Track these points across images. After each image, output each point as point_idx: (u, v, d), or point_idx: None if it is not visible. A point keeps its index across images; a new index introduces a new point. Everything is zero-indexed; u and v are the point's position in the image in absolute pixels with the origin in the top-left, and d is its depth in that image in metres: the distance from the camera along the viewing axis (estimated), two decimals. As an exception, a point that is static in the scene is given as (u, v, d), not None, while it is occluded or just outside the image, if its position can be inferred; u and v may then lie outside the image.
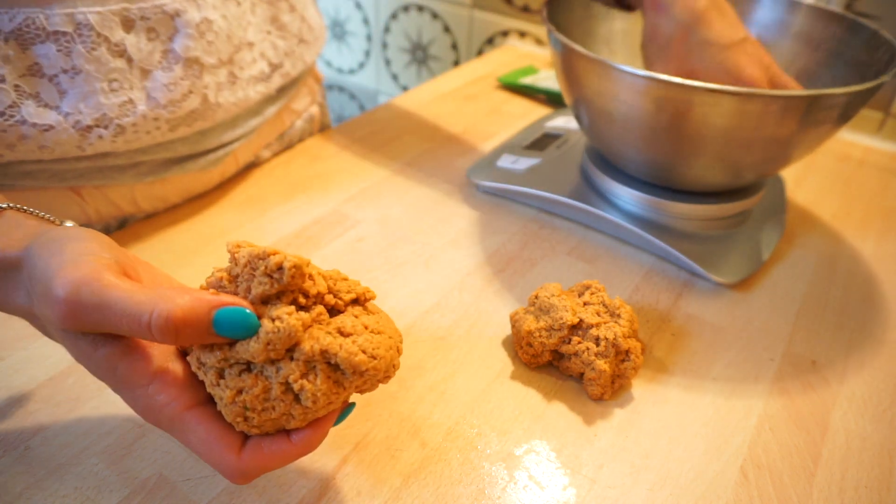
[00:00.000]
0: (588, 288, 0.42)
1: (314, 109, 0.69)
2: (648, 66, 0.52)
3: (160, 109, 0.45)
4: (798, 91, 0.41)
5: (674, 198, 0.51)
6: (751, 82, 0.47)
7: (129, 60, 0.43)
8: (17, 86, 0.40)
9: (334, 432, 0.36)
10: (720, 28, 0.48)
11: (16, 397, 0.37)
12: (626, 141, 0.49)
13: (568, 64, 0.49)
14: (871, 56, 0.51)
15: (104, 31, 0.41)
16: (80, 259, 0.26)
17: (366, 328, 0.28)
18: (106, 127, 0.43)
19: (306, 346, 0.26)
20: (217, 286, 0.28)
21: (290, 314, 0.26)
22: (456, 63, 1.09)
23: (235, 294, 0.27)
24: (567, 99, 0.53)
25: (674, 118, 0.44)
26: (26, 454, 0.34)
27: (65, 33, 0.40)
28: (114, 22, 0.42)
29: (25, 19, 0.39)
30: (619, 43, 0.62)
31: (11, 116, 0.40)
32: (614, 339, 0.38)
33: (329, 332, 0.27)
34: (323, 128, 0.72)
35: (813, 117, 0.43)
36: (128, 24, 0.42)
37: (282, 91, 0.59)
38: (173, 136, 0.48)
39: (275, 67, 0.55)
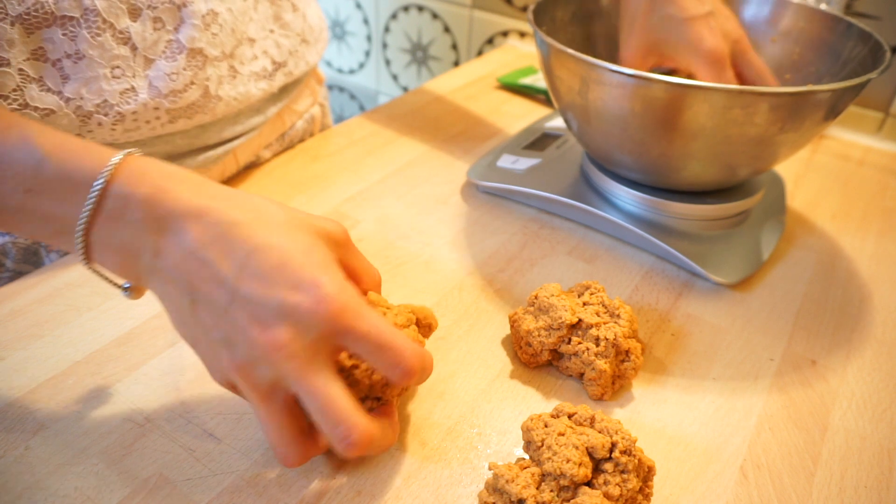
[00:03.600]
0: (588, 288, 0.42)
1: (315, 110, 0.69)
2: (621, 42, 0.54)
3: (161, 99, 0.45)
4: (785, 88, 0.41)
5: (673, 198, 0.51)
6: (709, 54, 0.48)
7: (133, 48, 0.43)
8: (21, 69, 0.40)
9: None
10: (683, 1, 0.49)
11: (16, 397, 0.37)
12: (614, 141, 0.49)
13: (554, 64, 0.49)
14: (861, 54, 0.51)
15: (110, 18, 0.41)
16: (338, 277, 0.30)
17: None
18: (106, 114, 0.43)
19: None
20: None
21: None
22: (456, 63, 1.09)
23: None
24: (555, 102, 0.53)
25: (659, 115, 0.44)
26: (27, 454, 0.34)
27: (71, 18, 0.40)
28: (120, 10, 0.42)
29: (35, 3, 0.39)
30: (605, 45, 0.62)
31: (15, 100, 0.40)
32: (614, 339, 0.38)
33: None
34: (324, 128, 0.72)
35: (800, 114, 0.43)
36: (134, 13, 0.43)
37: (284, 90, 0.60)
38: (173, 128, 0.48)
39: (278, 66, 0.55)
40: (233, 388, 0.32)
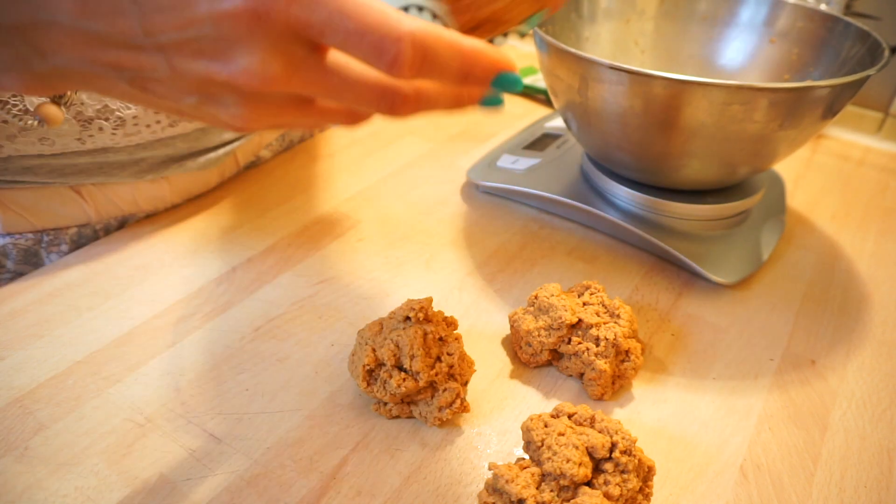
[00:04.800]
0: (588, 288, 0.42)
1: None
2: None
3: None
4: (784, 84, 0.41)
5: (673, 198, 0.51)
6: None
7: None
8: None
9: (334, 432, 0.36)
10: None
11: (16, 397, 0.37)
12: (614, 140, 0.49)
13: (553, 63, 0.49)
14: (859, 54, 0.51)
15: None
16: None
17: None
18: (107, 119, 0.43)
19: None
20: None
21: None
22: (456, 63, 1.09)
23: None
24: (555, 101, 0.53)
25: (659, 112, 0.44)
26: (27, 454, 0.34)
27: None
28: None
29: None
30: (605, 45, 0.62)
31: (15, 105, 0.40)
32: (614, 339, 0.38)
33: None
34: (324, 128, 0.72)
35: (799, 110, 0.43)
36: None
37: None
38: (173, 131, 0.48)
39: None
40: (265, 124, 0.25)
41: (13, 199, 0.46)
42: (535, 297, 0.41)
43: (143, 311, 0.43)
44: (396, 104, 0.24)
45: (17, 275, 0.48)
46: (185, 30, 0.21)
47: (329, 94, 0.24)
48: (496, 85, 0.24)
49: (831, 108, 0.45)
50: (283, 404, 0.38)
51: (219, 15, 0.21)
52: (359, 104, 0.24)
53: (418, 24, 0.22)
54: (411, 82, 0.23)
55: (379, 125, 0.70)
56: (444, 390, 0.36)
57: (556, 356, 0.41)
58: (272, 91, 0.23)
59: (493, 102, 0.26)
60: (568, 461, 0.30)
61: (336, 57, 0.23)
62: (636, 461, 0.31)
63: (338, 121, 0.26)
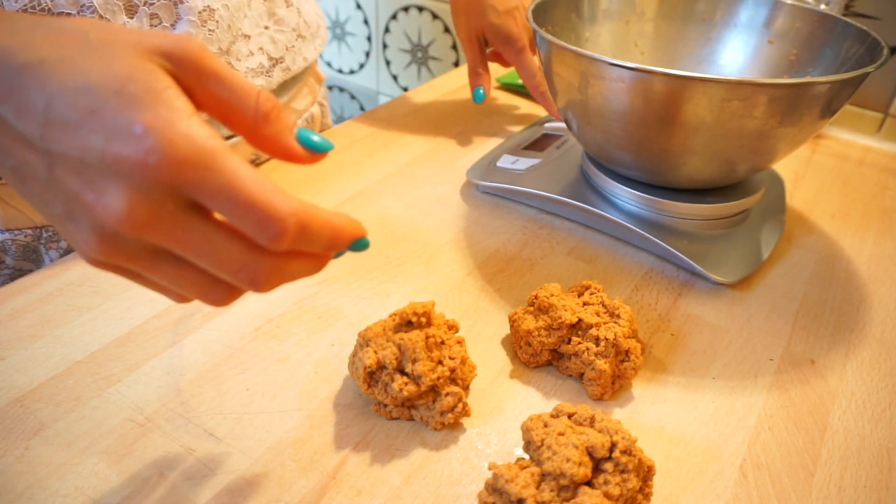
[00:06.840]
0: (587, 288, 0.42)
1: (315, 109, 0.69)
2: (456, 28, 0.68)
3: None
4: (784, 80, 0.41)
5: (673, 197, 0.51)
6: (516, 40, 0.65)
7: None
8: None
9: (334, 432, 0.36)
10: None
11: (17, 397, 0.37)
12: (614, 139, 0.49)
13: (553, 62, 0.49)
14: (858, 53, 0.51)
15: (106, 14, 0.42)
16: (167, 103, 0.23)
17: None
18: None
19: None
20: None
21: None
22: (456, 63, 1.09)
23: None
24: (555, 101, 0.53)
25: (659, 109, 0.44)
26: (27, 454, 0.34)
27: (68, 15, 0.40)
28: (117, 6, 0.42)
29: (31, 0, 0.39)
30: (605, 46, 0.62)
31: None
32: (614, 339, 0.38)
33: None
34: (323, 128, 0.72)
35: (799, 107, 0.43)
36: (131, 10, 0.43)
37: (283, 88, 0.60)
38: None
39: (275, 62, 0.55)
40: (112, 267, 0.26)
41: (12, 194, 0.46)
42: (535, 297, 0.41)
43: (143, 311, 0.43)
44: (259, 279, 0.25)
45: (17, 271, 0.48)
46: (75, 150, 0.23)
47: (189, 251, 0.24)
48: (351, 248, 0.28)
49: (830, 106, 0.45)
50: (283, 404, 0.38)
51: (110, 153, 0.22)
52: (219, 270, 0.25)
53: (299, 204, 0.24)
54: (275, 258, 0.25)
55: (379, 124, 0.70)
56: (446, 395, 0.36)
57: (556, 356, 0.41)
58: (128, 234, 0.23)
59: (359, 247, 0.28)
60: (568, 461, 0.30)
61: (207, 220, 0.25)
62: (636, 461, 0.31)
63: (196, 292, 0.26)
